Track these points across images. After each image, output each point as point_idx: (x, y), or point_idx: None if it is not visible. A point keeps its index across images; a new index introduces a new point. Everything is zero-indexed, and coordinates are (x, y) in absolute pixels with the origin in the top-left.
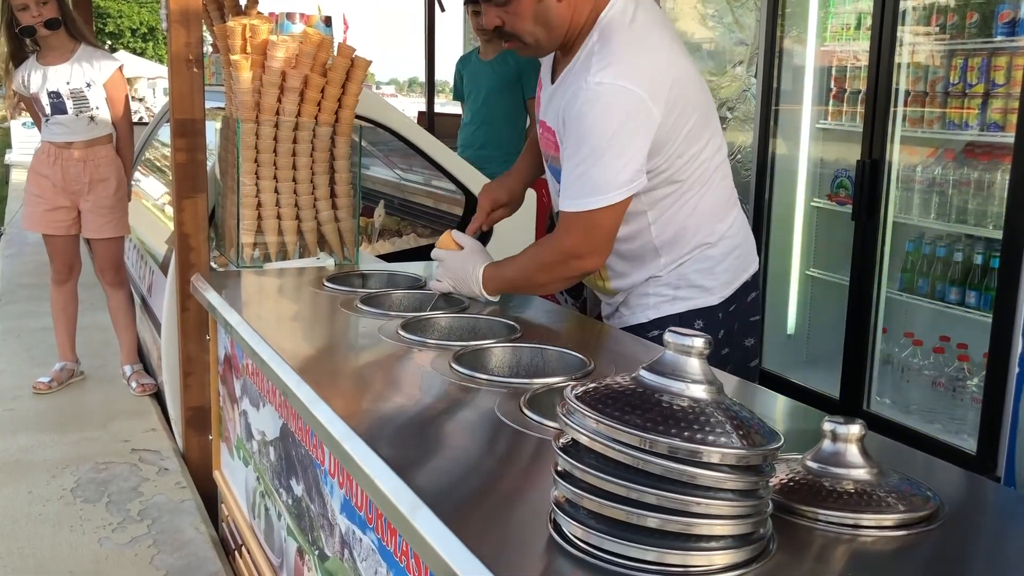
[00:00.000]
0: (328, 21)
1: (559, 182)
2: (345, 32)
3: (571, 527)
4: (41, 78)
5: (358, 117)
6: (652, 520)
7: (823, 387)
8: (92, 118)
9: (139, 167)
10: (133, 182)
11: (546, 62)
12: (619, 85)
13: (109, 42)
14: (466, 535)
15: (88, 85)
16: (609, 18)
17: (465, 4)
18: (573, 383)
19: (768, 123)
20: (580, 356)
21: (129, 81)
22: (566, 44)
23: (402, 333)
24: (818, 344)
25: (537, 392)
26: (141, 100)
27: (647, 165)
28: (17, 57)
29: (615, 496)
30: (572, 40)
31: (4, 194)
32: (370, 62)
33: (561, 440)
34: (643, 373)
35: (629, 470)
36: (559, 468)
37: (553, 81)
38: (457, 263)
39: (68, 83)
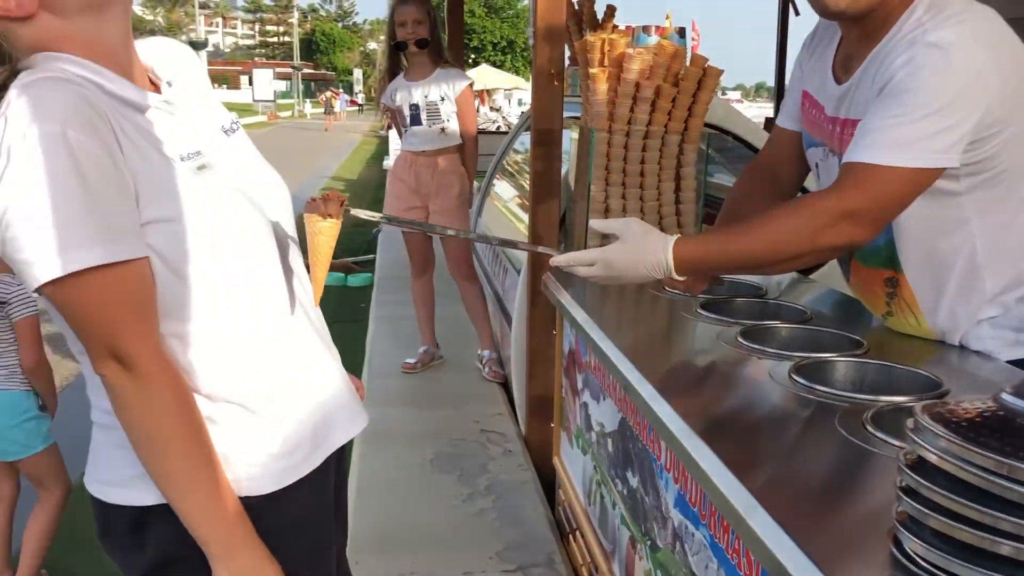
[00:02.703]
0: (682, 32)
1: None
2: (696, 41)
3: (912, 544)
4: (406, 93)
5: (705, 124)
6: (1006, 548)
7: None
8: (443, 130)
9: (497, 174)
10: (490, 185)
11: (820, 68)
12: (965, 44)
13: (473, 56)
14: (801, 539)
15: (442, 99)
16: None
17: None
18: (924, 402)
19: None
20: (932, 376)
21: (488, 92)
22: (870, 26)
23: (741, 340)
24: None
25: (882, 409)
26: (498, 110)
27: (976, 152)
28: (391, 73)
29: (965, 519)
30: (880, 18)
31: (382, 196)
32: (721, 72)
33: (907, 457)
34: (1006, 396)
35: (982, 494)
36: (903, 484)
37: (847, 77)
38: (632, 241)
39: (426, 96)
